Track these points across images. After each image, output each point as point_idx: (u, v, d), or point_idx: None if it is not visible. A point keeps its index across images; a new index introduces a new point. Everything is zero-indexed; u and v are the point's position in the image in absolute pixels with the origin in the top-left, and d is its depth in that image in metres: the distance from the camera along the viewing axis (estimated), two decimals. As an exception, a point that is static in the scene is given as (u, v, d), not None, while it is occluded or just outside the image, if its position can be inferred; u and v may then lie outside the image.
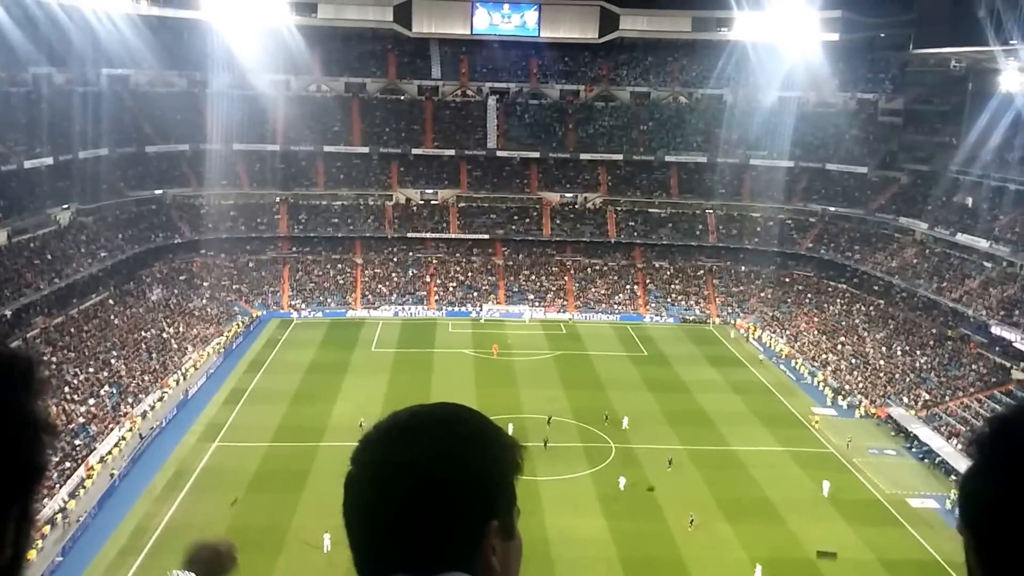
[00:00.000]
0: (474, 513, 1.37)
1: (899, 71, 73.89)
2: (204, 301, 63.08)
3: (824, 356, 57.76)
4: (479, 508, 1.37)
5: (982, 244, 57.62)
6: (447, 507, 1.35)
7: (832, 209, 72.11)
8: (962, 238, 59.57)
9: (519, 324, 65.07)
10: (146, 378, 48.50)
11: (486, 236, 73.13)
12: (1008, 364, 49.20)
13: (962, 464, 36.32)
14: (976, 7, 55.91)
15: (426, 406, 1.47)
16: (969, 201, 62.65)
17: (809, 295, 68.32)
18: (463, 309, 67.54)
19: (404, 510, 1.34)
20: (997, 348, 50.90)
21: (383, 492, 1.36)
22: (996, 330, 50.49)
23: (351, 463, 1.42)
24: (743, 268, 72.33)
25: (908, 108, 72.58)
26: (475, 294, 69.67)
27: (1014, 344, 48.83)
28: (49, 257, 52.70)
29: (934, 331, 56.53)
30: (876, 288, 64.40)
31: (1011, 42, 54.49)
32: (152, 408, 45.75)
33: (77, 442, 39.04)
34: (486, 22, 76.90)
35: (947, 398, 48.46)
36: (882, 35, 73.72)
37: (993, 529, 1.05)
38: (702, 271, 72.81)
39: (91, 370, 46.13)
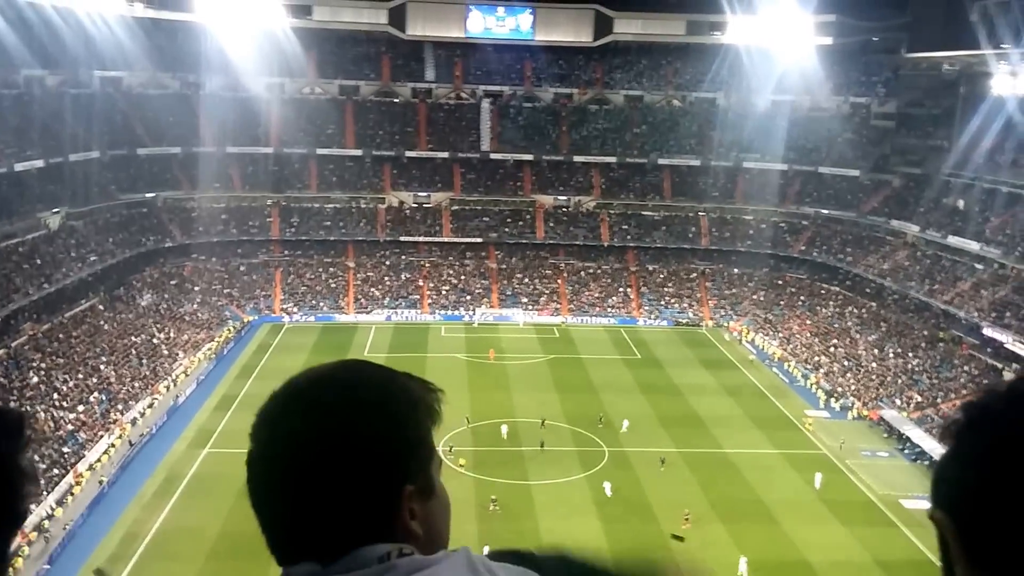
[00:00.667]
0: (384, 482, 1.24)
1: (892, 75, 74.07)
2: (195, 306, 62.69)
3: (817, 358, 57.81)
4: (389, 475, 1.24)
5: (973, 246, 57.77)
6: (352, 480, 1.22)
7: (825, 212, 72.24)
8: (953, 240, 59.71)
9: (512, 328, 64.92)
10: (136, 384, 48.11)
11: (479, 239, 72.99)
12: (1000, 365, 49.23)
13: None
14: (969, 11, 56.12)
15: (326, 368, 1.32)
16: (960, 203, 62.81)
17: (802, 298, 68.40)
18: (456, 313, 67.35)
19: (306, 488, 1.21)
20: (989, 350, 51.00)
21: (282, 470, 1.23)
22: (988, 332, 50.59)
23: (249, 439, 1.28)
24: (736, 271, 72.38)
25: (901, 112, 72.75)
26: (468, 298, 69.48)
27: (1005, 345, 48.93)
28: (38, 262, 52.24)
29: (926, 333, 56.62)
30: (868, 290, 64.51)
31: (1003, 46, 54.75)
32: (142, 415, 45.33)
33: (65, 449, 38.68)
34: (480, 25, 76.84)
35: (939, 400, 48.52)
36: (875, 39, 73.89)
37: (978, 513, 1.06)
38: (695, 274, 72.82)
39: (80, 377, 45.71)
